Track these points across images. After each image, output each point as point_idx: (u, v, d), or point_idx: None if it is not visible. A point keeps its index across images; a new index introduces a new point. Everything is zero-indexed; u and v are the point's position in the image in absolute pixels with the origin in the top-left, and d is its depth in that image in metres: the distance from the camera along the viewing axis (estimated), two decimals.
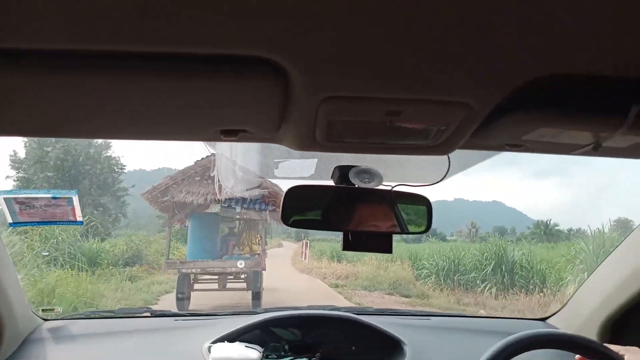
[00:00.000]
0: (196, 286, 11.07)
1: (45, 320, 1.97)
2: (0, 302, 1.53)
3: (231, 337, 1.84)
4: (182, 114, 0.95)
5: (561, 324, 2.07)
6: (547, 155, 1.23)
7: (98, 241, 15.81)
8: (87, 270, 12.17)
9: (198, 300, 10.72)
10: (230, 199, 10.69)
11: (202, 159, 11.06)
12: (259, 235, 12.12)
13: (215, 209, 11.53)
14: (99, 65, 0.73)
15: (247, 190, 9.60)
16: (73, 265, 12.09)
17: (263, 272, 10.84)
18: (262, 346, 1.84)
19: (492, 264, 15.05)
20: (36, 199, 1.48)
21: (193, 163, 11.25)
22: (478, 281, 14.89)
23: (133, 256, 16.63)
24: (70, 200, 1.53)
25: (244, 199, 10.58)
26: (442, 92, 0.83)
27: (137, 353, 1.84)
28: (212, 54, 0.71)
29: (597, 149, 0.97)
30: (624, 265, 1.74)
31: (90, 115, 0.96)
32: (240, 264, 10.49)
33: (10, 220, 1.51)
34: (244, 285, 11.30)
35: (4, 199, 1.47)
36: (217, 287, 11.34)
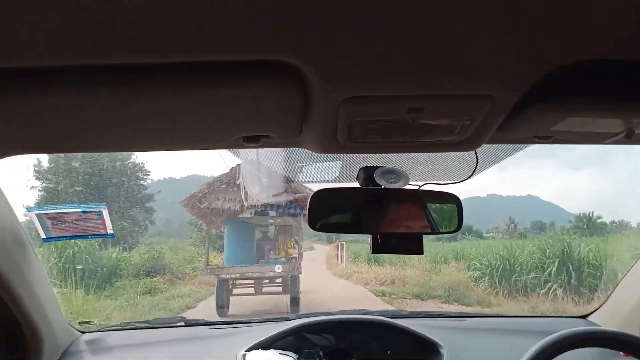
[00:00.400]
0: (235, 291, 11.34)
1: (83, 332, 2.01)
2: (39, 317, 1.56)
3: (265, 345, 1.84)
4: (203, 122, 0.95)
5: (602, 321, 2.00)
6: (580, 146, 1.19)
7: (119, 250, 15.48)
8: (82, 285, 11.46)
9: (235, 305, 10.92)
10: (265, 204, 10.93)
11: (237, 165, 11.29)
12: (293, 239, 12.27)
13: (249, 214, 11.71)
14: (122, 79, 0.74)
15: (273, 195, 9.71)
16: (72, 279, 11.44)
17: (299, 276, 11.00)
18: (296, 352, 1.83)
19: (556, 263, 13.16)
20: (67, 213, 1.51)
21: (228, 170, 11.61)
22: (537, 281, 13.21)
23: (156, 266, 15.84)
24: (100, 213, 1.56)
25: (278, 204, 10.80)
26: (464, 86, 0.81)
27: None
28: (230, 60, 0.71)
29: (630, 137, 0.93)
30: None
31: (114, 129, 0.97)
32: (278, 268, 10.70)
33: (43, 235, 1.54)
34: (279, 289, 11.49)
35: (36, 215, 1.50)
36: (254, 292, 11.57)
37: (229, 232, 11.71)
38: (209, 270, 11.18)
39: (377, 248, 1.31)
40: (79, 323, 2.03)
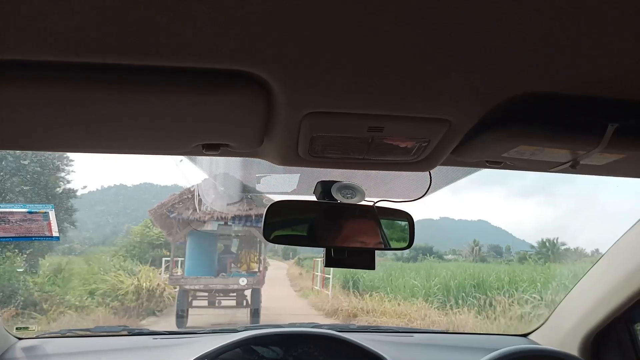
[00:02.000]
0: (194, 303, 11.31)
1: (20, 339, 1.92)
2: None
3: (212, 356, 1.81)
4: (163, 127, 0.94)
5: (542, 340, 2.07)
6: (531, 174, 1.24)
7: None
8: None
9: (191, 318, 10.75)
10: (233, 217, 10.98)
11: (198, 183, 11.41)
12: (257, 253, 12.29)
13: (213, 226, 11.61)
14: (77, 78, 0.72)
15: (228, 204, 9.66)
16: None
17: (261, 289, 11.12)
18: None
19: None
20: (11, 213, 1.45)
21: (189, 185, 11.66)
22: None
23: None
24: (46, 214, 1.50)
25: (245, 217, 10.89)
26: (423, 109, 0.83)
27: None
28: (195, 67, 0.71)
29: (575, 167, 0.98)
30: (602, 281, 1.76)
31: (67, 128, 0.95)
32: (243, 282, 10.79)
33: None
34: (233, 302, 11.57)
35: None
36: (207, 305, 11.57)
37: (191, 243, 11.65)
38: (172, 281, 11.15)
39: (330, 262, 1.32)
40: (16, 329, 1.94)
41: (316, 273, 17.69)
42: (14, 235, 1.45)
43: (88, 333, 2.18)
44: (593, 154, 0.92)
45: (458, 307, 12.64)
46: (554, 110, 0.84)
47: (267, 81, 0.74)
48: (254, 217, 10.89)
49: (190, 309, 10.89)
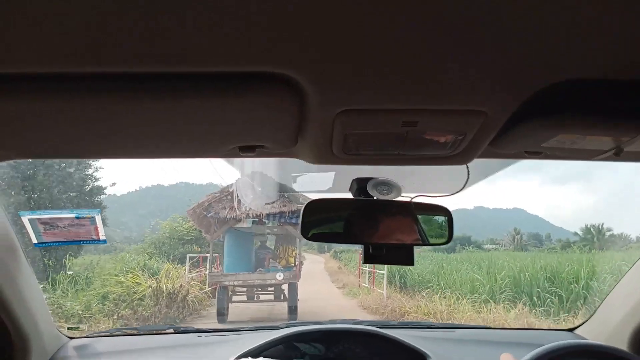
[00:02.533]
0: (234, 298, 11.81)
1: (71, 338, 2.00)
2: (27, 322, 1.55)
3: (255, 353, 1.84)
4: (199, 131, 0.96)
5: (590, 334, 2.02)
6: (566, 161, 1.21)
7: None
8: None
9: (235, 312, 11.16)
10: (267, 214, 11.27)
11: (239, 179, 11.70)
12: (294, 248, 12.63)
13: (248, 223, 11.93)
14: (120, 87, 0.75)
15: (266, 204, 9.85)
16: None
17: (297, 284, 11.40)
18: None
19: None
20: (60, 219, 1.51)
21: (225, 184, 12.23)
22: None
23: None
24: (93, 219, 1.56)
25: (279, 214, 11.17)
26: (458, 101, 0.82)
27: None
28: (226, 71, 0.72)
29: (619, 154, 0.95)
30: None
31: (111, 136, 0.98)
32: (279, 276, 11.10)
33: (35, 240, 1.54)
34: (272, 297, 11.95)
35: (28, 220, 1.50)
36: (246, 300, 12.12)
37: (228, 241, 12.04)
38: (212, 277, 11.48)
39: (369, 258, 1.32)
40: (68, 329, 2.02)
41: (364, 268, 16.01)
42: (62, 239, 1.52)
43: (136, 332, 2.25)
44: (637, 139, 0.88)
45: (536, 306, 11.03)
46: (593, 97, 0.81)
47: (299, 81, 0.74)
48: (287, 213, 11.14)
49: (230, 304, 11.27)
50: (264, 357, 1.83)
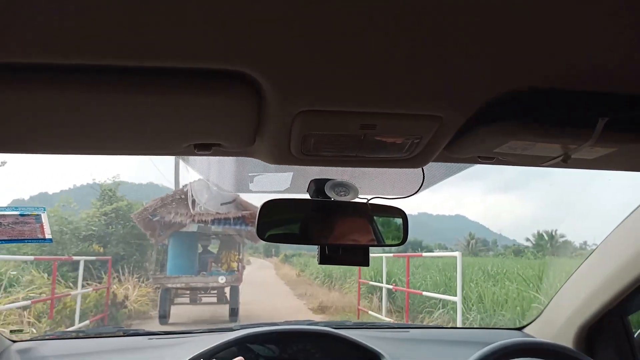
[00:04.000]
0: (176, 300, 11.92)
1: (14, 342, 1.91)
2: None
3: (207, 355, 1.81)
4: (154, 128, 0.93)
5: (537, 333, 2.09)
6: (507, 170, 1.24)
7: None
8: None
9: (177, 313, 11.29)
10: (212, 220, 11.60)
11: (187, 184, 12.02)
12: (236, 253, 12.86)
13: (193, 228, 12.18)
14: (67, 79, 0.72)
15: (222, 204, 9.91)
16: None
17: (239, 287, 11.67)
18: None
19: None
20: (3, 216, 1.44)
21: (181, 187, 12.34)
22: None
23: None
24: (38, 217, 1.49)
25: (226, 219, 11.45)
26: (415, 106, 0.84)
27: None
28: (185, 67, 0.71)
29: (566, 161, 0.99)
30: (595, 273, 1.77)
31: (57, 130, 0.94)
32: (222, 279, 11.33)
33: None
34: (214, 299, 12.28)
35: None
36: (189, 302, 12.33)
37: (173, 244, 12.20)
38: (155, 280, 11.62)
39: (324, 259, 1.33)
40: (10, 331, 1.93)
41: (375, 282, 11.77)
42: (6, 237, 1.45)
43: (83, 335, 2.17)
44: (584, 147, 0.92)
45: None
46: (544, 105, 0.84)
47: (259, 80, 0.74)
48: (232, 219, 11.44)
49: (172, 306, 11.48)
50: (216, 359, 1.80)
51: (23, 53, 0.65)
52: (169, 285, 11.10)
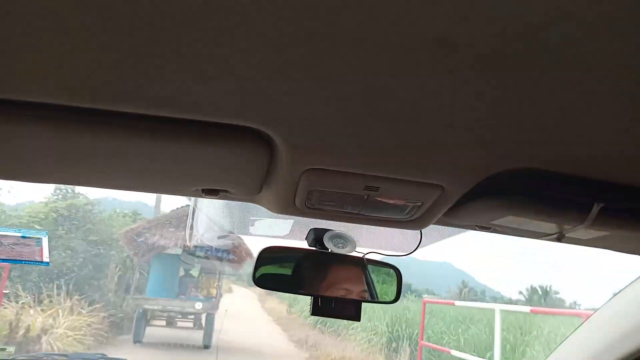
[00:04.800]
0: (152, 322, 11.91)
1: None
2: None
3: None
4: (167, 172, 0.97)
5: None
6: None
7: None
8: None
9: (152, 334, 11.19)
10: (195, 246, 11.50)
11: (178, 208, 12.54)
12: (216, 280, 12.96)
13: (176, 251, 12.24)
14: (86, 121, 0.75)
15: (218, 238, 10.07)
16: None
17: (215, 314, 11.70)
18: None
19: None
20: (5, 236, 1.45)
21: (169, 211, 12.69)
22: None
23: None
24: (39, 240, 1.51)
25: (208, 247, 11.44)
26: (418, 174, 0.87)
27: None
28: (202, 120, 0.74)
29: (560, 239, 1.02)
30: (586, 345, 1.76)
31: (73, 166, 0.98)
32: (198, 305, 11.42)
33: None
34: (191, 324, 12.33)
35: None
36: (165, 325, 12.36)
37: (155, 265, 12.25)
38: (134, 300, 11.58)
39: (316, 311, 1.33)
40: None
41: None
42: (4, 257, 1.46)
43: (65, 358, 2.15)
44: (578, 229, 0.95)
45: None
46: (543, 186, 0.88)
47: (271, 137, 0.77)
48: (214, 248, 11.50)
49: (147, 327, 11.45)
50: None
51: (48, 94, 0.69)
52: (146, 307, 11.11)
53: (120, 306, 12.25)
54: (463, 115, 0.69)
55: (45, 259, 1.50)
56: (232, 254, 11.72)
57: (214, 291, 12.55)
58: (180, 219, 12.02)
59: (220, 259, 12.04)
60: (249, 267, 14.41)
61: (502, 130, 0.72)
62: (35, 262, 1.50)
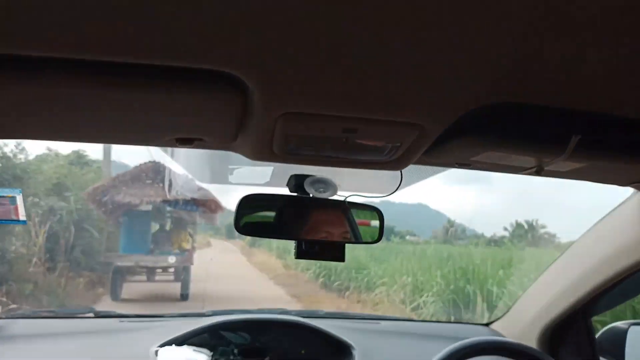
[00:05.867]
0: (128, 277, 11.91)
1: None
2: None
3: (179, 341, 1.82)
4: (138, 121, 0.94)
5: (503, 330, 2.15)
6: None
7: None
8: None
9: (128, 290, 11.19)
10: (163, 201, 11.64)
11: (143, 164, 12.05)
12: (188, 233, 12.88)
13: (146, 208, 12.15)
14: (54, 72, 0.73)
15: (190, 193, 10.60)
16: None
17: (191, 267, 11.81)
18: (210, 350, 1.83)
19: None
20: None
21: (132, 167, 12.24)
22: None
23: None
24: (13, 198, 1.47)
25: (175, 201, 11.54)
26: (396, 113, 0.86)
27: (80, 356, 1.79)
28: (175, 66, 0.71)
29: (539, 172, 1.02)
30: (563, 275, 1.83)
31: (47, 119, 0.96)
32: (171, 259, 11.56)
33: None
34: (171, 277, 12.22)
35: None
36: (146, 280, 12.28)
37: (125, 223, 12.12)
38: (106, 258, 11.59)
39: (301, 254, 1.35)
40: None
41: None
42: None
43: (54, 314, 2.16)
44: (557, 161, 0.96)
45: None
46: (521, 120, 0.87)
47: (244, 81, 0.74)
48: (181, 201, 11.58)
49: (127, 283, 11.54)
50: (188, 344, 1.82)
51: (19, 46, 0.65)
52: (119, 264, 11.16)
53: (93, 266, 12.02)
54: (439, 52, 0.67)
55: (22, 217, 1.48)
56: (202, 206, 11.84)
57: (186, 244, 12.60)
58: (147, 175, 11.83)
59: (190, 212, 12.23)
60: (221, 218, 14.39)
61: (479, 65, 0.70)
62: (12, 221, 1.47)
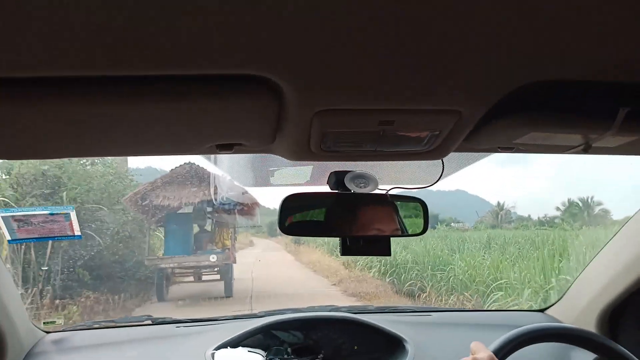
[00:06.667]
0: (174, 279, 12.38)
1: (47, 332, 1.98)
2: (1, 317, 1.53)
3: (234, 343, 1.85)
4: (178, 131, 0.96)
5: (560, 315, 2.09)
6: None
7: None
8: None
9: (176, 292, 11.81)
10: (202, 201, 11.99)
11: (177, 167, 12.43)
12: (230, 231, 13.11)
13: (187, 209, 12.55)
14: (92, 90, 0.75)
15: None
16: None
17: (233, 264, 12.11)
18: (265, 350, 1.86)
19: None
20: (34, 215, 1.49)
21: (169, 171, 12.59)
22: None
23: None
24: (67, 215, 1.54)
25: (216, 202, 11.85)
26: (433, 101, 0.84)
27: None
28: (211, 74, 0.72)
29: (587, 150, 0.98)
30: (619, 255, 1.76)
31: (92, 136, 0.98)
32: (213, 258, 11.78)
33: (8, 237, 1.51)
34: (217, 276, 12.45)
35: (2, 217, 1.47)
36: (193, 280, 12.69)
37: (168, 225, 12.48)
38: (149, 262, 11.88)
39: (346, 250, 1.35)
40: (44, 323, 2.00)
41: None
42: (37, 236, 1.50)
43: (113, 324, 2.24)
44: (605, 137, 0.92)
45: None
46: (564, 96, 0.84)
47: (278, 83, 0.75)
48: (220, 202, 11.80)
49: (174, 285, 12.05)
50: (243, 346, 1.85)
51: (51, 66, 0.67)
52: (162, 266, 11.43)
53: (137, 271, 12.19)
54: (474, 35, 0.65)
55: (77, 232, 1.55)
56: (240, 205, 12.03)
57: (228, 242, 12.84)
58: (185, 177, 12.14)
59: (229, 212, 12.41)
60: (261, 217, 14.78)
61: (518, 44, 0.68)
62: (68, 236, 1.54)
